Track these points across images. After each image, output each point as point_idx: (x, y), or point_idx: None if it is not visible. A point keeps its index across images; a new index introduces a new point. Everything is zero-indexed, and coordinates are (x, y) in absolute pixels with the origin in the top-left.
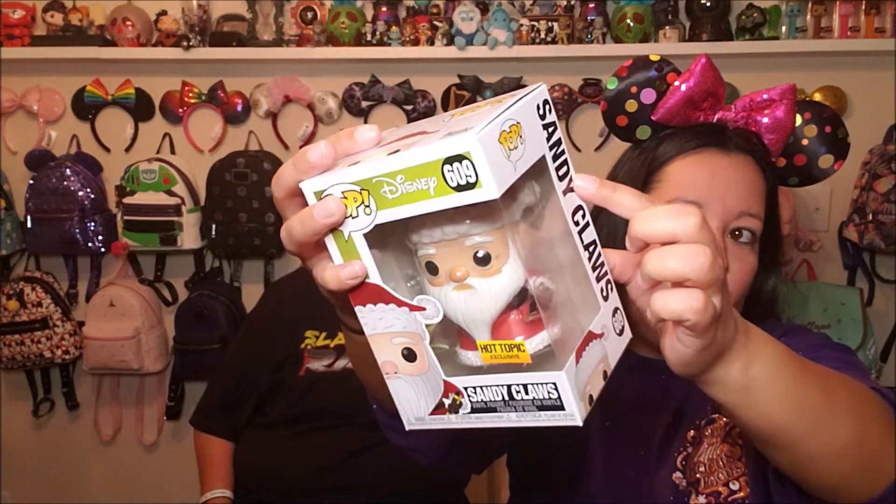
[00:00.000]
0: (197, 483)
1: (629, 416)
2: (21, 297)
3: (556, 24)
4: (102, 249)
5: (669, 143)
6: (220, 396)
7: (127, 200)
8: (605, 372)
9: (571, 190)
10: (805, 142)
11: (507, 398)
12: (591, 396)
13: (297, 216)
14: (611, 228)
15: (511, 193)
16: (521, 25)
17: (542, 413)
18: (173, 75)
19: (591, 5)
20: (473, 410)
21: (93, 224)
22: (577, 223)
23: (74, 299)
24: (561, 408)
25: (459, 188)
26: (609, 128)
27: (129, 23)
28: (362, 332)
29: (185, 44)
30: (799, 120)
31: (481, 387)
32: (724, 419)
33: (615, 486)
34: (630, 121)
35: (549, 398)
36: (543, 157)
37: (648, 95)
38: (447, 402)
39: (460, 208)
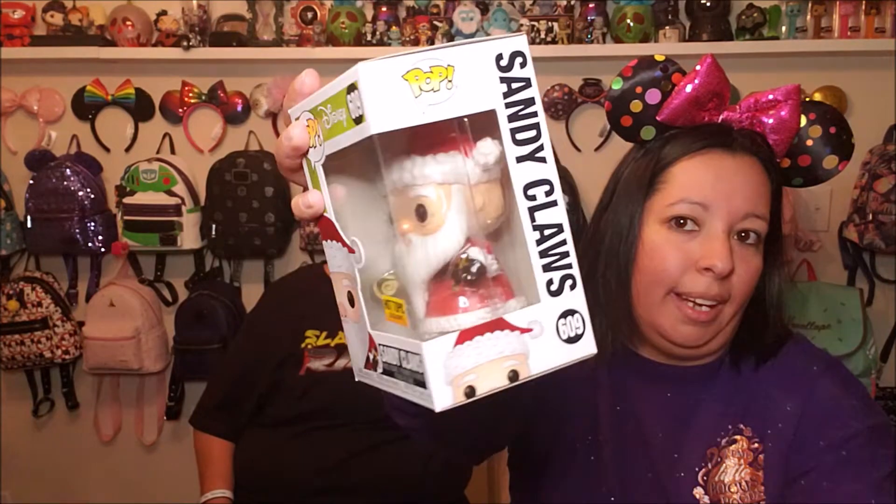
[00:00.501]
0: (197, 483)
1: (644, 425)
2: (21, 297)
3: (556, 25)
4: (102, 249)
5: (674, 144)
6: (220, 396)
7: (127, 200)
8: (513, 371)
9: (538, 159)
10: (810, 142)
11: (400, 364)
12: (470, 388)
13: (277, 141)
14: (616, 228)
15: (460, 147)
16: (521, 25)
17: (416, 388)
18: (173, 75)
19: (591, 5)
20: (384, 371)
21: (93, 224)
22: (532, 198)
23: (74, 299)
24: (424, 385)
25: (356, 120)
26: (613, 128)
27: (129, 23)
28: None
29: (185, 44)
30: (804, 121)
31: (386, 346)
32: (747, 440)
33: (627, 492)
34: (634, 121)
35: (419, 371)
36: (496, 114)
37: (653, 96)
38: (371, 356)
39: (411, 158)
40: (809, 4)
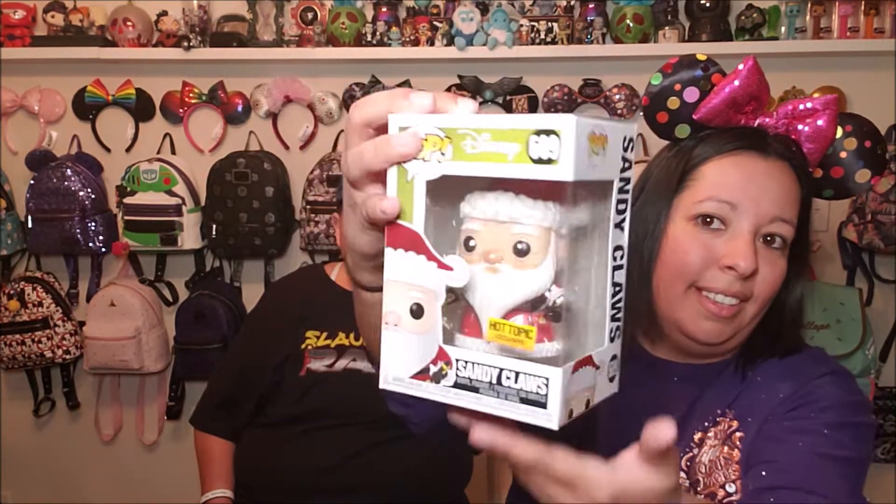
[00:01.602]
0: (197, 483)
1: (638, 416)
2: (22, 297)
3: (555, 25)
4: (103, 249)
5: (707, 144)
6: (220, 396)
7: (127, 200)
8: (588, 401)
9: (622, 228)
10: (843, 154)
11: (494, 381)
12: (571, 411)
13: (373, 142)
14: (643, 223)
15: (570, 203)
16: (521, 26)
17: (522, 406)
18: (174, 76)
19: (591, 6)
20: (456, 385)
21: (93, 224)
22: (615, 258)
23: (75, 299)
24: (543, 406)
25: (538, 161)
26: (648, 124)
27: (129, 23)
28: (374, 290)
29: (185, 44)
30: (839, 132)
31: (474, 363)
32: (728, 421)
33: None
34: (670, 118)
35: (537, 393)
36: (611, 184)
37: (692, 94)
38: (433, 369)
39: (524, 198)
40: (809, 5)
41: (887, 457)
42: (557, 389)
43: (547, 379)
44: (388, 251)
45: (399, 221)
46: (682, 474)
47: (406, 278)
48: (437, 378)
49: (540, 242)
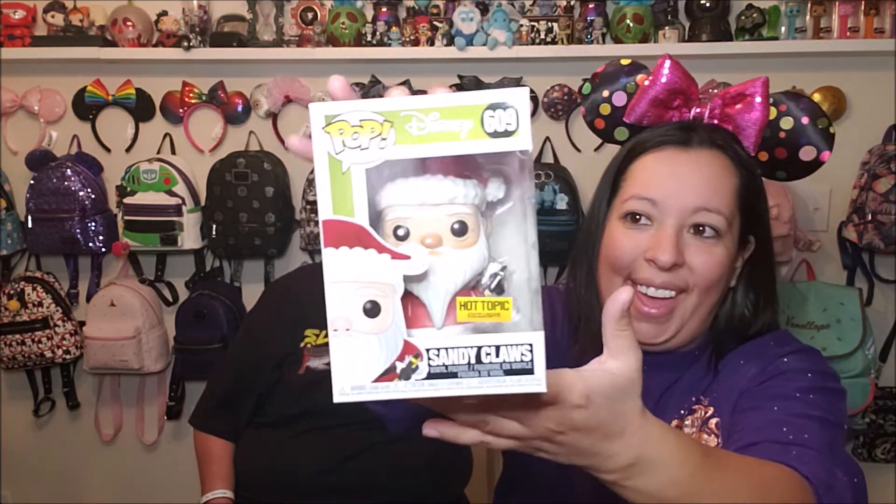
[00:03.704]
0: (197, 483)
1: None
2: (22, 297)
3: (555, 25)
4: (103, 249)
5: (636, 143)
6: (219, 396)
7: (127, 200)
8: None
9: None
10: (782, 134)
11: (473, 361)
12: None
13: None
14: (587, 225)
15: (526, 176)
16: (521, 26)
17: (507, 378)
18: (174, 76)
19: (591, 6)
20: (430, 376)
21: (93, 224)
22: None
23: (75, 299)
24: (530, 371)
25: (496, 134)
26: (592, 131)
27: (129, 23)
28: None
29: (185, 44)
30: (774, 113)
31: (447, 348)
32: (703, 408)
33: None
34: (606, 124)
35: (521, 361)
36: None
37: (620, 98)
38: (400, 366)
39: (453, 178)
40: (809, 5)
41: (887, 457)
42: (541, 352)
43: (531, 345)
44: (329, 252)
45: (337, 217)
46: None
47: (354, 277)
48: (407, 374)
49: (473, 220)
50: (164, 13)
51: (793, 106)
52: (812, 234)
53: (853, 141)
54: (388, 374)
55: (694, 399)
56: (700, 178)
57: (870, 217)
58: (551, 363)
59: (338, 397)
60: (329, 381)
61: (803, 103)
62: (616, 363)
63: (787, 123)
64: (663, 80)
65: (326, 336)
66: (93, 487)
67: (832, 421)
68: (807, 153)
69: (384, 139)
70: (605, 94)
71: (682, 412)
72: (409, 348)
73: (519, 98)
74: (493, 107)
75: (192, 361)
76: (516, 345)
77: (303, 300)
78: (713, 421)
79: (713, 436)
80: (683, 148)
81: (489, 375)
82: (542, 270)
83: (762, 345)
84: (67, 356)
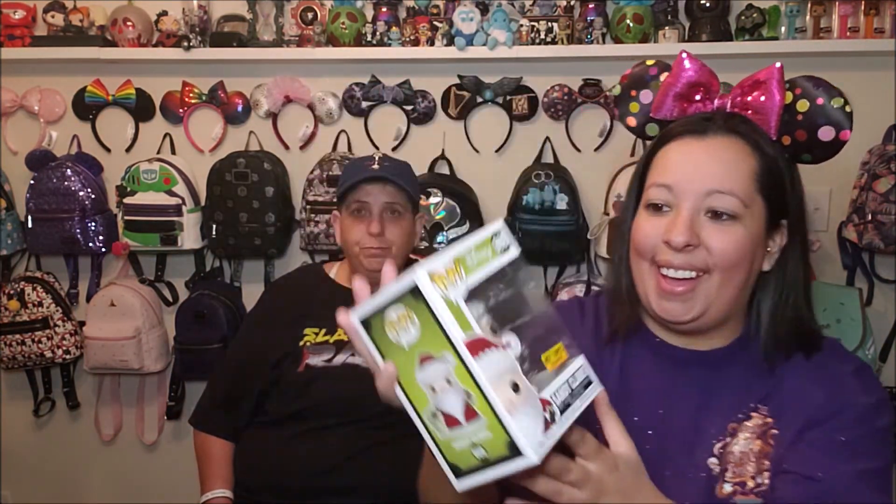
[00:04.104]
0: (197, 483)
1: (655, 401)
2: (22, 297)
3: (555, 25)
4: (103, 249)
5: (660, 135)
6: (219, 396)
7: (127, 200)
8: None
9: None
10: (800, 117)
11: (571, 389)
12: None
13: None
14: (621, 218)
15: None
16: (521, 26)
17: (586, 391)
18: (174, 76)
19: (591, 6)
20: (561, 412)
21: (93, 224)
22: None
23: (75, 299)
24: (591, 382)
25: (502, 251)
26: (627, 129)
27: (129, 23)
28: None
29: (185, 44)
30: (790, 97)
31: (557, 390)
32: (763, 417)
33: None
34: (637, 121)
35: (585, 377)
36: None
37: (646, 96)
38: (547, 416)
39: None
40: (809, 5)
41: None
42: (587, 364)
43: (581, 364)
44: (476, 361)
45: (468, 335)
46: (715, 459)
47: (498, 371)
48: (553, 418)
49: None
50: (164, 13)
51: (809, 87)
52: (812, 233)
53: (853, 141)
54: (546, 424)
55: (752, 405)
56: (714, 162)
57: (870, 217)
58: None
59: (535, 457)
60: (328, 378)
61: (818, 84)
62: (623, 447)
63: (802, 106)
64: (683, 74)
65: (326, 334)
66: (93, 487)
67: (885, 467)
68: (826, 133)
69: (460, 276)
70: (633, 93)
71: (740, 416)
72: (544, 402)
73: (501, 226)
74: (495, 234)
75: (192, 361)
76: (581, 366)
77: (302, 299)
78: (772, 432)
79: (769, 446)
80: (700, 136)
81: (580, 395)
82: (542, 270)
83: (822, 364)
84: (67, 356)
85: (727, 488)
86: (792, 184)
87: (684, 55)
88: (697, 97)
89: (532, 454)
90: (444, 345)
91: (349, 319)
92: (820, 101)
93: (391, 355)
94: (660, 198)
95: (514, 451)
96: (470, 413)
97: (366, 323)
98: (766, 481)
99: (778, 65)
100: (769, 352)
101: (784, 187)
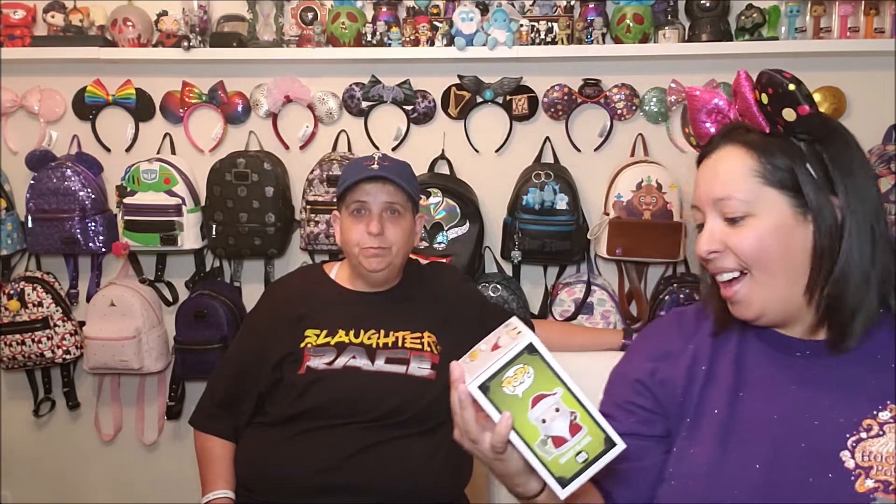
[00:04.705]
0: (197, 483)
1: (764, 394)
2: (22, 297)
3: (555, 25)
4: (103, 249)
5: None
6: (219, 396)
7: (127, 200)
8: None
9: None
10: (770, 108)
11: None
12: None
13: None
14: None
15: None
16: (521, 26)
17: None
18: (174, 76)
19: (591, 6)
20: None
21: (93, 224)
22: None
23: (75, 299)
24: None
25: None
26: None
27: (129, 23)
28: (539, 493)
29: (185, 44)
30: (755, 94)
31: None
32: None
33: (775, 459)
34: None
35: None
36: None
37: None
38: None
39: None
40: (809, 5)
41: None
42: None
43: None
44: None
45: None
46: (847, 453)
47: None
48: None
49: None
50: (164, 13)
51: (760, 84)
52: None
53: None
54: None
55: (890, 402)
56: (713, 174)
57: None
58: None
59: (624, 444)
60: (329, 381)
61: (763, 78)
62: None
63: (765, 99)
64: (690, 106)
65: (327, 336)
66: (93, 487)
67: None
68: (788, 115)
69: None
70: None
71: (875, 412)
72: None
73: (524, 328)
74: (515, 329)
75: (192, 361)
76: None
77: (303, 300)
78: None
79: None
80: (707, 156)
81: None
82: (543, 270)
83: None
84: (67, 356)
85: (869, 484)
86: (816, 164)
87: (685, 92)
88: (713, 120)
89: (622, 442)
90: (556, 383)
91: (468, 390)
92: (770, 91)
93: (505, 406)
94: (696, 217)
95: (609, 444)
96: (574, 428)
97: (482, 387)
98: None
99: (741, 71)
100: (842, 333)
101: (802, 169)
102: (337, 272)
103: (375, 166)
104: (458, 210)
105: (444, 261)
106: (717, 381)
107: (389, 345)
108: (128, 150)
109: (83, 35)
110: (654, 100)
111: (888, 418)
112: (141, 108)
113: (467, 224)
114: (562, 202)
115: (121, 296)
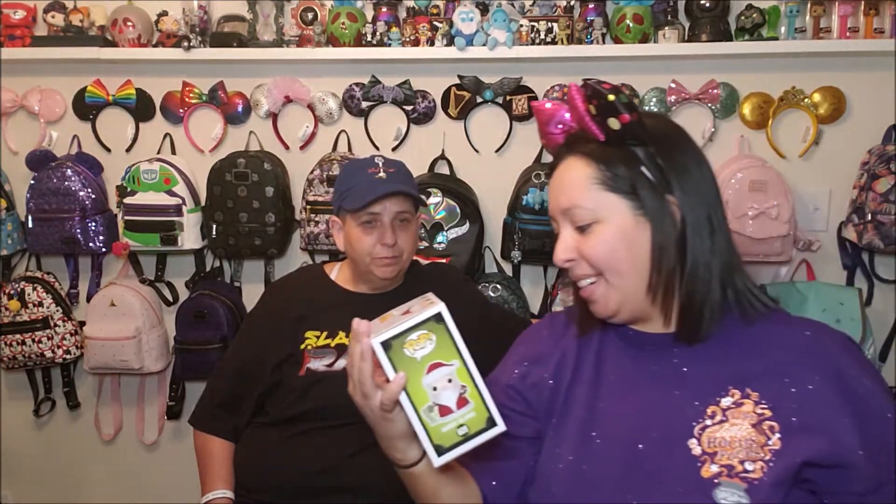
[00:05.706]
0: (197, 483)
1: (634, 387)
2: (22, 297)
3: (555, 25)
4: (103, 249)
5: None
6: (219, 396)
7: (128, 200)
8: None
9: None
10: (599, 118)
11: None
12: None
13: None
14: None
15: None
16: (521, 26)
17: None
18: (174, 76)
19: (591, 6)
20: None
21: (94, 224)
22: None
23: (75, 299)
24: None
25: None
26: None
27: (129, 23)
28: (418, 462)
29: (185, 44)
30: (586, 105)
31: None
32: (754, 404)
33: (621, 445)
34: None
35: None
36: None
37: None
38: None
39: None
40: (808, 5)
41: None
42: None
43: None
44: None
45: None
46: (694, 441)
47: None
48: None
49: None
50: (164, 13)
51: (590, 94)
52: (812, 234)
53: (853, 141)
54: None
55: (735, 390)
56: (560, 184)
57: (870, 217)
58: None
59: (504, 426)
60: (328, 383)
61: (588, 90)
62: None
63: (592, 109)
64: (539, 118)
65: (327, 338)
66: (93, 487)
67: None
68: (613, 124)
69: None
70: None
71: (719, 399)
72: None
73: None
74: (427, 300)
75: (192, 361)
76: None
77: (303, 301)
78: (770, 424)
79: (764, 436)
80: (556, 166)
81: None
82: (543, 270)
83: (791, 334)
84: (68, 356)
85: (713, 469)
86: (651, 168)
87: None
88: (557, 131)
89: (503, 424)
90: (455, 355)
91: (370, 343)
92: (595, 102)
93: (402, 367)
94: (554, 227)
95: (490, 423)
96: (462, 402)
97: (385, 343)
98: (757, 469)
99: (572, 85)
100: (694, 326)
101: (640, 172)
102: (338, 273)
103: (382, 175)
104: (458, 210)
105: (444, 261)
106: (581, 380)
107: None
108: (128, 150)
109: (83, 35)
110: (654, 100)
111: (730, 404)
112: (141, 108)
113: (467, 224)
114: None
115: (121, 296)
